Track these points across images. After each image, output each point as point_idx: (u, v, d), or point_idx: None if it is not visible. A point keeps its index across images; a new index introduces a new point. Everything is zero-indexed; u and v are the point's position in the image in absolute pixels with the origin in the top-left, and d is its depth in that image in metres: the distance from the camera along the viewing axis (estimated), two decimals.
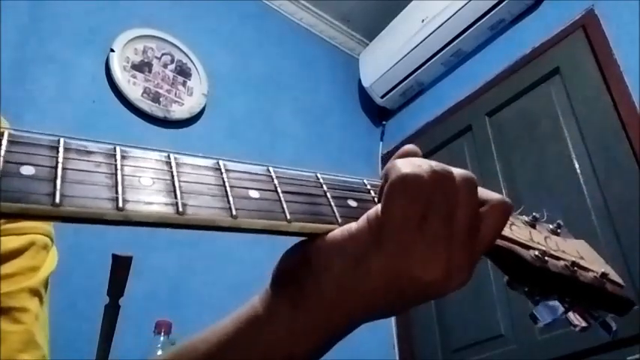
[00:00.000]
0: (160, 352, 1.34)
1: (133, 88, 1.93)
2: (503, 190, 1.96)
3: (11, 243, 0.51)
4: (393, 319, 2.22)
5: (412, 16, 2.46)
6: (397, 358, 2.16)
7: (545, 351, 1.65)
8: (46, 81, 1.76)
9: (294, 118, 2.40)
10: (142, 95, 1.94)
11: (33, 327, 0.51)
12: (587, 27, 1.90)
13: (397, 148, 0.40)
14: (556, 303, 0.40)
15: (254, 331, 0.36)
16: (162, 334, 1.38)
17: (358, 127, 2.65)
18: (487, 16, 2.20)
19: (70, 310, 1.38)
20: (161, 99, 1.98)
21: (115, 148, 0.29)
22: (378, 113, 2.73)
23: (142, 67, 1.99)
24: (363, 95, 2.71)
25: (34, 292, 0.52)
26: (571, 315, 0.40)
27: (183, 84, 2.08)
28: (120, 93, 1.89)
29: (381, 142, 2.65)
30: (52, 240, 0.56)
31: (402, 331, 2.19)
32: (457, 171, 0.34)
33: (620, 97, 1.72)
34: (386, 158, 2.55)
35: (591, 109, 1.80)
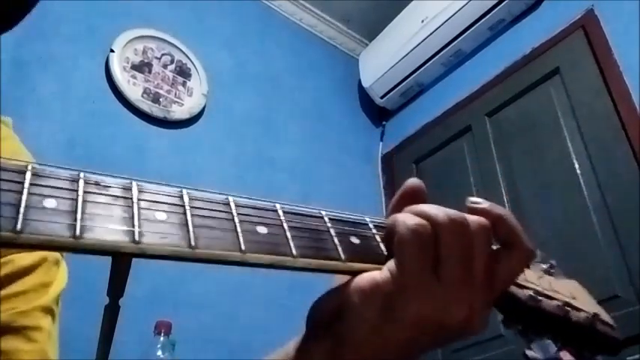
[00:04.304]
0: (159, 353, 1.34)
1: (133, 88, 1.93)
2: (503, 190, 1.96)
3: (23, 260, 0.51)
4: None
5: (412, 16, 2.46)
6: None
7: None
8: (46, 81, 1.76)
9: (294, 118, 2.39)
10: (141, 95, 1.94)
11: (46, 345, 0.51)
12: (587, 27, 1.90)
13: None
14: (549, 342, 0.41)
15: None
16: (162, 334, 1.38)
17: (358, 127, 2.65)
18: (487, 16, 2.20)
19: (70, 310, 1.38)
20: (161, 99, 1.99)
21: (131, 183, 0.31)
22: (378, 113, 2.73)
23: (141, 67, 1.99)
24: (363, 95, 2.71)
25: (47, 310, 0.53)
26: (562, 354, 0.41)
27: (183, 84, 2.08)
28: (120, 93, 1.89)
29: (381, 142, 2.65)
30: (62, 255, 0.57)
31: None
32: (471, 218, 0.35)
33: (620, 97, 1.72)
34: (386, 158, 2.56)
35: (591, 109, 1.80)
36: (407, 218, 0.35)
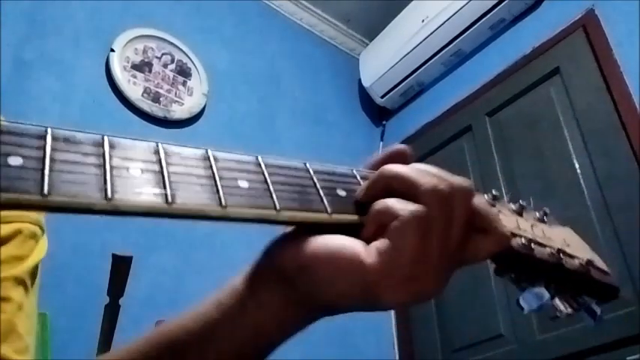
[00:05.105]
0: None
1: (133, 88, 1.93)
2: (504, 190, 1.96)
3: None
4: (393, 319, 2.22)
5: (412, 16, 2.46)
6: (397, 358, 2.16)
7: (545, 351, 1.65)
8: (47, 81, 1.76)
9: (294, 118, 2.40)
10: (142, 95, 1.94)
11: (15, 317, 0.50)
12: (587, 27, 1.90)
13: None
14: (542, 289, 0.40)
15: (241, 318, 0.36)
16: None
17: (358, 127, 2.65)
18: (487, 16, 2.20)
19: (70, 310, 1.38)
20: (161, 99, 1.98)
21: (103, 138, 0.29)
22: (378, 113, 2.73)
23: (142, 66, 1.99)
24: (363, 95, 2.71)
25: (19, 281, 0.51)
26: (557, 301, 0.41)
27: (184, 84, 2.08)
28: (120, 93, 1.89)
29: (381, 142, 2.65)
30: (42, 229, 0.55)
31: (402, 331, 2.19)
32: (456, 182, 0.34)
33: (620, 97, 1.72)
34: None
35: (591, 109, 1.80)
36: (405, 204, 0.32)
